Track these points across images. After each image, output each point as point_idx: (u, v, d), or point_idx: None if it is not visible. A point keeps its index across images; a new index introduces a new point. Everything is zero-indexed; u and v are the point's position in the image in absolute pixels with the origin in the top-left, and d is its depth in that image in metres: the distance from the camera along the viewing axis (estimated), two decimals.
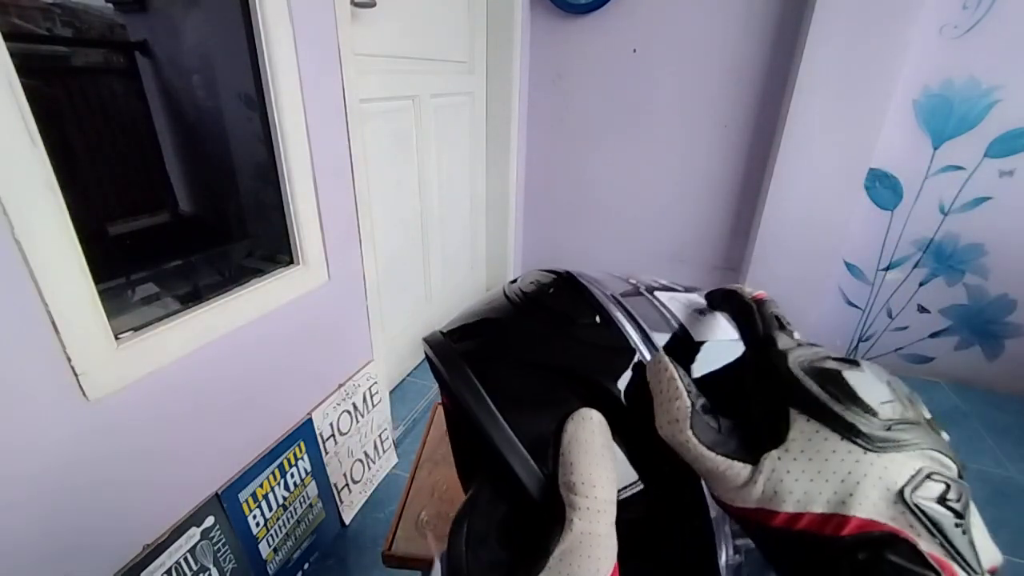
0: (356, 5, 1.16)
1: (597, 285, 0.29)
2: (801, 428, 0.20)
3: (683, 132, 1.85)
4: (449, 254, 1.91)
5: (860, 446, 0.19)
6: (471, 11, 1.71)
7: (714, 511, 0.24)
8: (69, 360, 0.65)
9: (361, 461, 1.29)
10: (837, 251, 1.75)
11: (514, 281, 0.33)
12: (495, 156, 2.02)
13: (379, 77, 1.33)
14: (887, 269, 1.78)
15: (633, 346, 0.25)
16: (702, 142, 1.84)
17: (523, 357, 0.27)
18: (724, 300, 0.29)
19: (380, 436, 1.36)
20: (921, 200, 1.64)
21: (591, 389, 0.24)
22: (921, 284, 1.75)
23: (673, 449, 0.21)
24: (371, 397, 1.31)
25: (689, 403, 0.21)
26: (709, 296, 0.30)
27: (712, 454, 0.20)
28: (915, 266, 1.74)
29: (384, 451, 1.39)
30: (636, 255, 2.12)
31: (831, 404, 0.19)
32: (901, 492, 0.18)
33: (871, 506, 0.18)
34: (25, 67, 0.57)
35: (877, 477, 0.18)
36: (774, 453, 0.20)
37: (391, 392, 1.66)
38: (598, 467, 0.22)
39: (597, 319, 0.27)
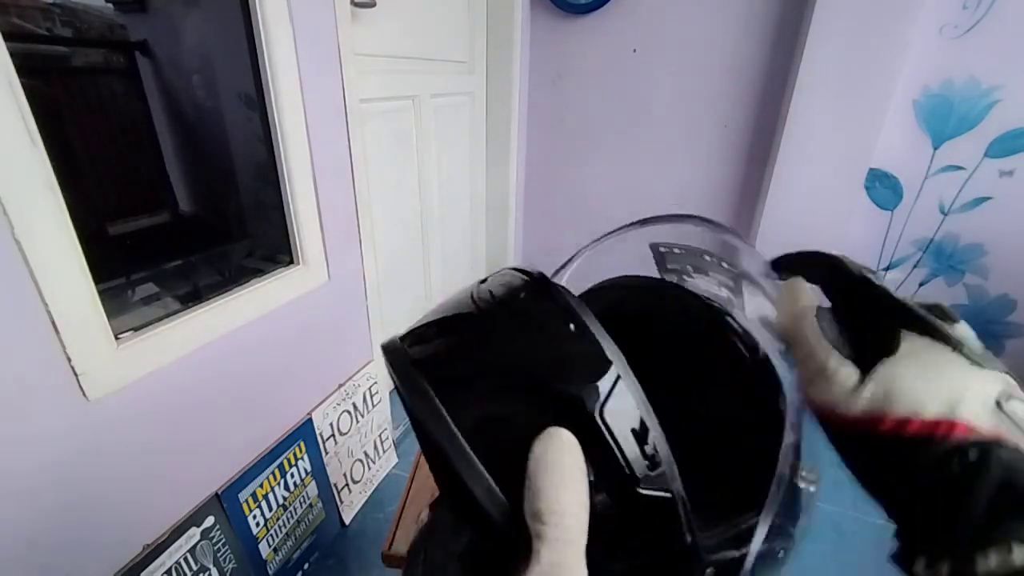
0: (356, 5, 1.16)
1: (569, 293, 0.27)
2: (912, 342, 0.22)
3: (683, 132, 1.85)
4: (449, 254, 1.91)
5: (967, 358, 0.21)
6: (471, 11, 1.71)
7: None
8: (69, 360, 0.65)
9: (361, 461, 1.29)
10: (837, 251, 1.74)
11: (484, 280, 0.30)
12: (495, 156, 2.01)
13: (379, 77, 1.33)
14: (887, 269, 1.77)
15: (609, 357, 0.23)
16: (702, 142, 1.84)
17: (486, 367, 0.24)
18: (798, 261, 0.30)
19: (380, 436, 1.37)
20: (921, 200, 1.64)
21: (560, 403, 0.22)
22: (921, 284, 1.75)
23: (792, 341, 0.23)
24: (371, 397, 1.32)
25: (816, 301, 0.23)
26: (779, 261, 0.31)
27: (831, 348, 0.22)
28: (915, 266, 1.74)
29: (384, 451, 1.39)
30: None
31: (940, 324, 0.22)
32: (998, 403, 0.20)
33: (975, 413, 0.20)
34: (25, 67, 0.57)
35: (981, 387, 0.20)
36: (887, 360, 0.21)
37: (391, 392, 1.65)
38: (568, 491, 0.20)
39: (572, 327, 0.24)
